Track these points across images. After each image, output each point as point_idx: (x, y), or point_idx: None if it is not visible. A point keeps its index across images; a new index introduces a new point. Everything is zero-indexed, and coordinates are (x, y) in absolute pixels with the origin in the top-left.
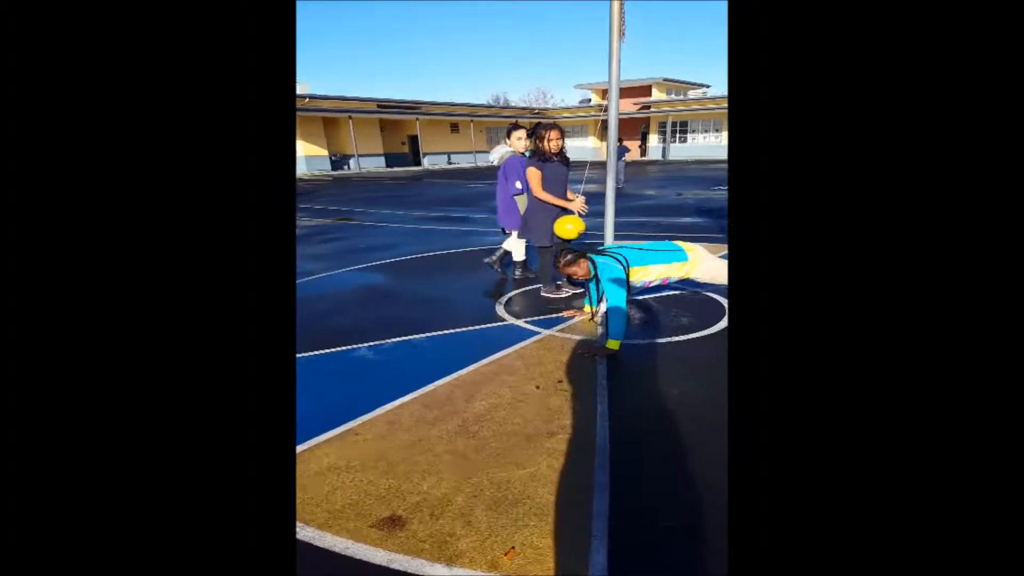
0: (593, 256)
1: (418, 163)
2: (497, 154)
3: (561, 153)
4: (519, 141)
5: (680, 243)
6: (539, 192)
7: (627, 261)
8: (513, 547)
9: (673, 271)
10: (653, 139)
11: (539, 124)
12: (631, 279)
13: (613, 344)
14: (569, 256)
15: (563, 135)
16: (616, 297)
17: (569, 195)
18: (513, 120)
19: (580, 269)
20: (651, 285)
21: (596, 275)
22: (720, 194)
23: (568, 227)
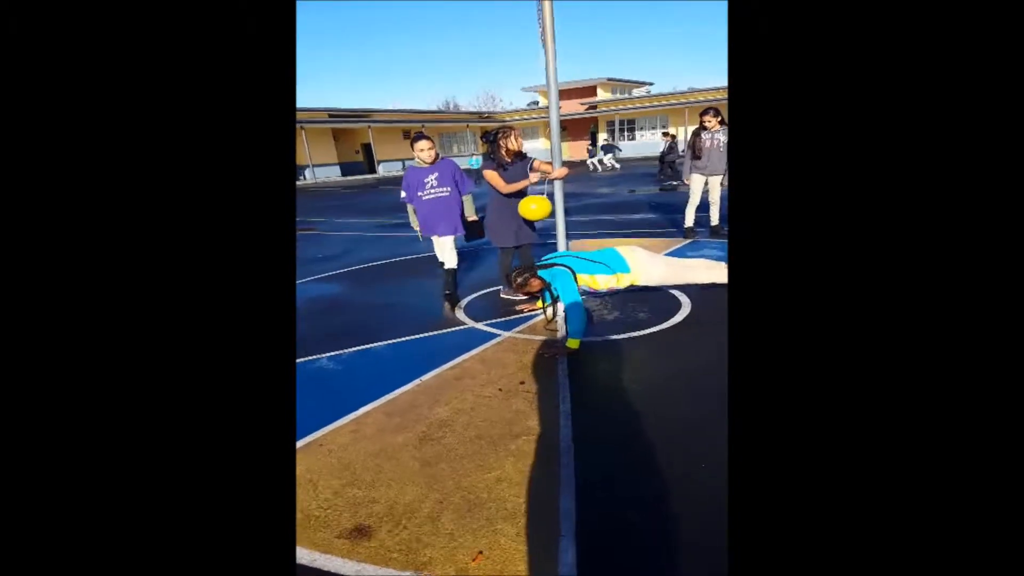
0: (542, 273)
1: (373, 171)
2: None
3: (519, 154)
4: (422, 152)
5: (621, 251)
6: (505, 189)
7: (572, 269)
8: (481, 551)
9: (616, 281)
10: (602, 138)
11: (495, 129)
12: (579, 285)
13: (573, 343)
14: (520, 280)
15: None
16: (572, 298)
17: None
18: (464, 124)
19: (534, 286)
20: (598, 292)
21: (548, 284)
22: (673, 189)
23: (532, 207)
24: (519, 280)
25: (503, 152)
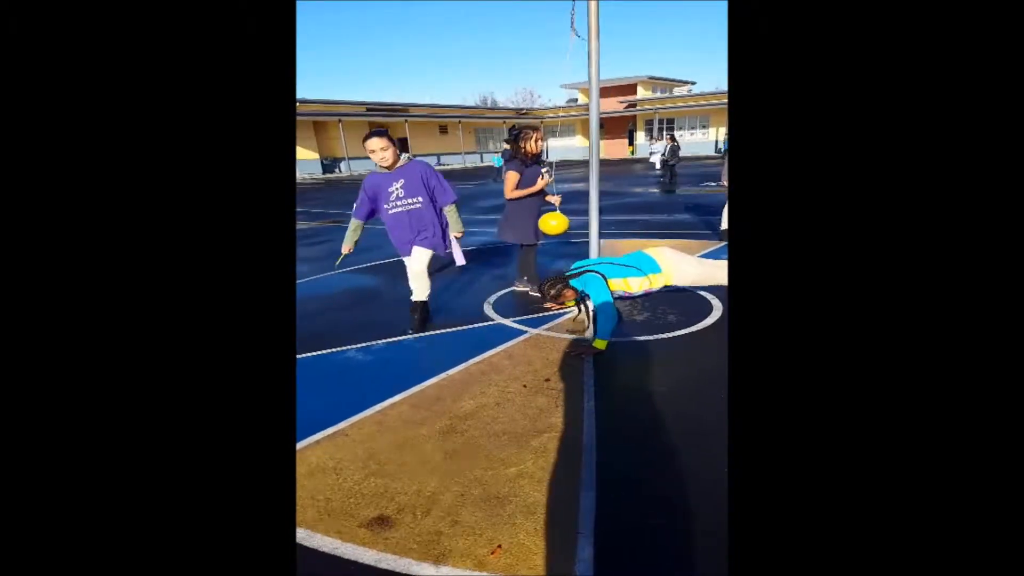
0: (573, 283)
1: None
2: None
3: (538, 155)
4: (374, 153)
5: (650, 252)
6: (512, 194)
7: (603, 273)
8: (500, 545)
9: (649, 283)
10: (640, 136)
11: (518, 127)
12: (613, 290)
13: (600, 344)
14: (553, 291)
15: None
16: (603, 298)
17: (549, 198)
18: (500, 120)
19: (568, 296)
20: (629, 295)
21: (582, 292)
22: (709, 190)
23: (552, 223)
24: (552, 292)
25: (531, 145)
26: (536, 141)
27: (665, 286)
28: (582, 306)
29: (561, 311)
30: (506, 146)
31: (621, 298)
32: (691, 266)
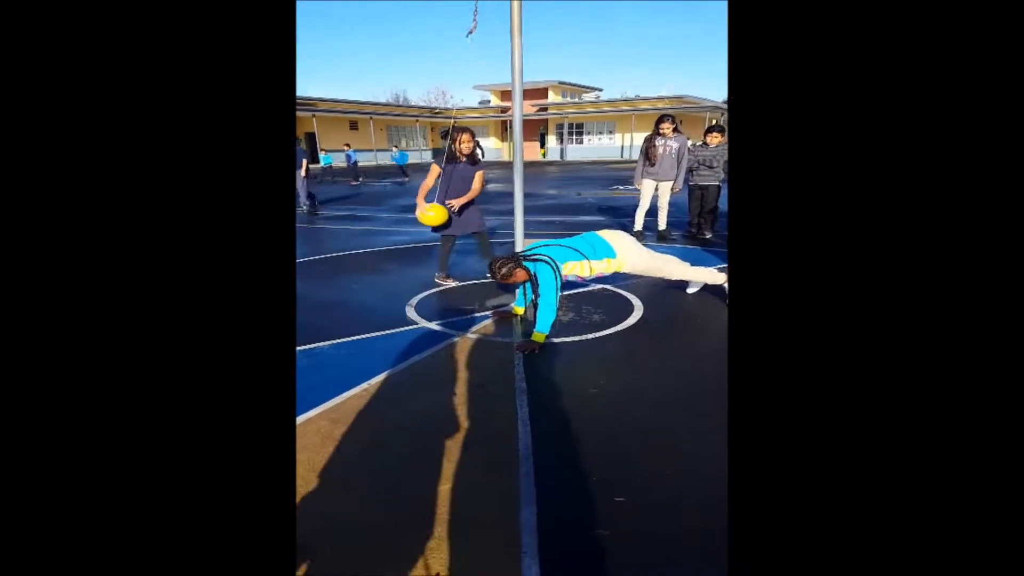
0: (526, 263)
1: (315, 160)
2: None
3: (471, 155)
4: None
5: (605, 236)
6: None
7: (556, 261)
8: (438, 573)
9: (601, 267)
10: (551, 140)
11: (451, 128)
12: (563, 274)
13: (539, 337)
14: (504, 270)
15: (473, 137)
16: (549, 293)
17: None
18: (414, 119)
19: (519, 276)
20: (582, 280)
21: (533, 276)
22: (620, 193)
23: (430, 214)
24: (503, 270)
25: (456, 146)
26: (467, 142)
27: (616, 272)
28: (530, 308)
29: (485, 313)
30: (394, 148)
31: (572, 283)
32: (643, 256)
